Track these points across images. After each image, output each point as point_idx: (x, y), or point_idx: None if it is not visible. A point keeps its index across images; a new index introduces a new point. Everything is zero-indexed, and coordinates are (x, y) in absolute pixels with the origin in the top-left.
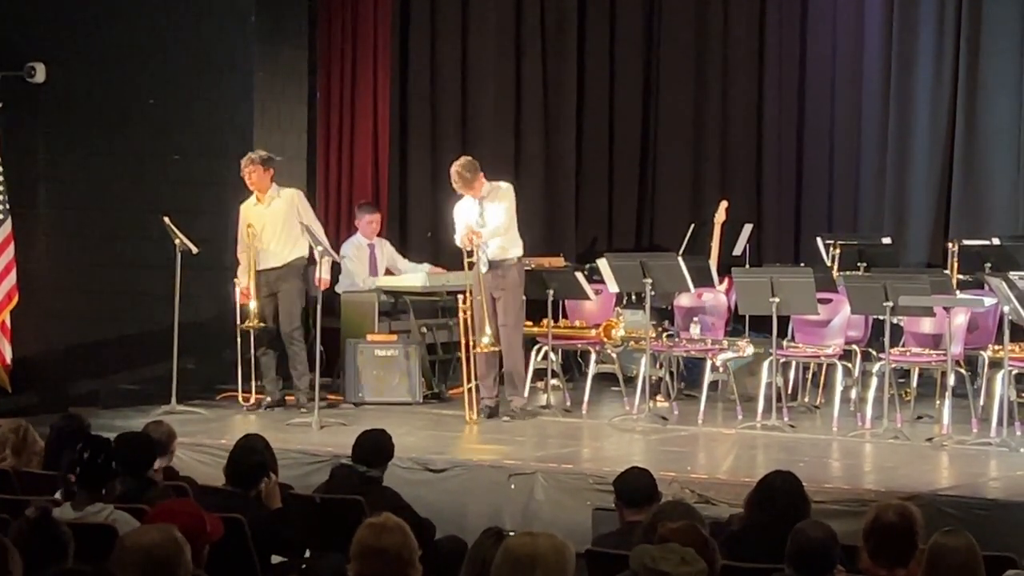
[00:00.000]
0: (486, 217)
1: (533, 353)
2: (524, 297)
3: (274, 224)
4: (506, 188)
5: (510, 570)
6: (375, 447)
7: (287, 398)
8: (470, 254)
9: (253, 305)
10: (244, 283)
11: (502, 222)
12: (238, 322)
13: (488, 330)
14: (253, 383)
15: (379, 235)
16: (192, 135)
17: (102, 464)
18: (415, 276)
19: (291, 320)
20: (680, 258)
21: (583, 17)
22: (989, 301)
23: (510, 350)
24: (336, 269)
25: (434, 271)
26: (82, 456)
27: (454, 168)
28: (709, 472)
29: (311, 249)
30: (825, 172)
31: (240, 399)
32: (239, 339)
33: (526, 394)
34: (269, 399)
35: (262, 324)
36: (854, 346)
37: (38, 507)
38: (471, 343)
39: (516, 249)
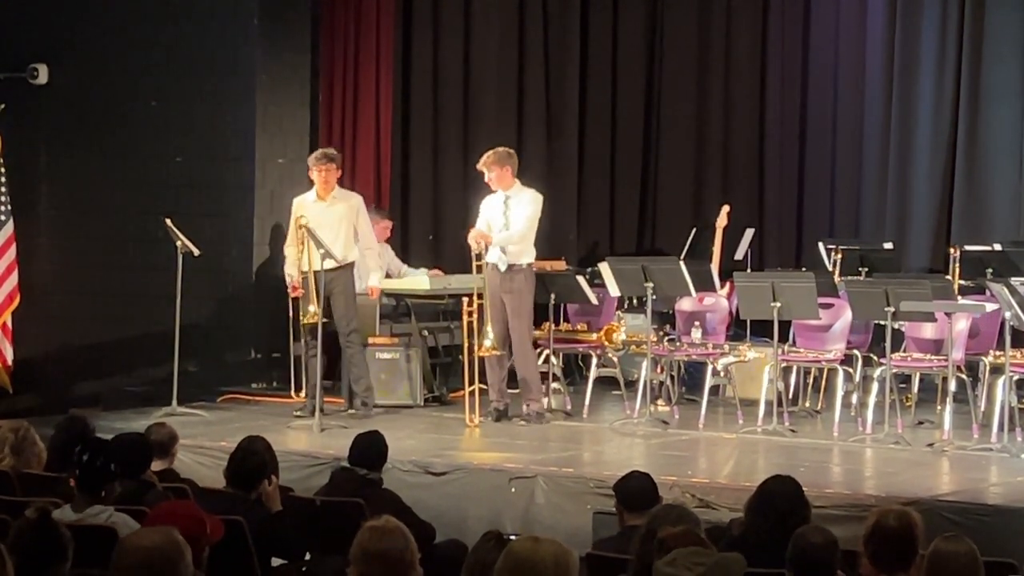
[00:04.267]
0: (509, 216)
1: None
2: (532, 304)
3: (333, 225)
4: (534, 196)
5: (510, 574)
6: (372, 449)
7: (326, 401)
8: (479, 256)
9: (312, 307)
10: (295, 277)
11: (521, 228)
12: (301, 318)
13: (490, 333)
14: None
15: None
16: (194, 137)
17: (101, 466)
18: (418, 279)
19: (348, 322)
20: (682, 262)
21: (585, 21)
22: (990, 307)
23: (522, 355)
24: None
25: (434, 274)
26: (81, 458)
27: (492, 150)
28: (710, 476)
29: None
30: (827, 177)
31: (294, 395)
32: (290, 335)
33: (545, 400)
34: (315, 402)
35: (324, 320)
36: (855, 351)
37: (38, 508)
38: (473, 346)
39: (529, 256)
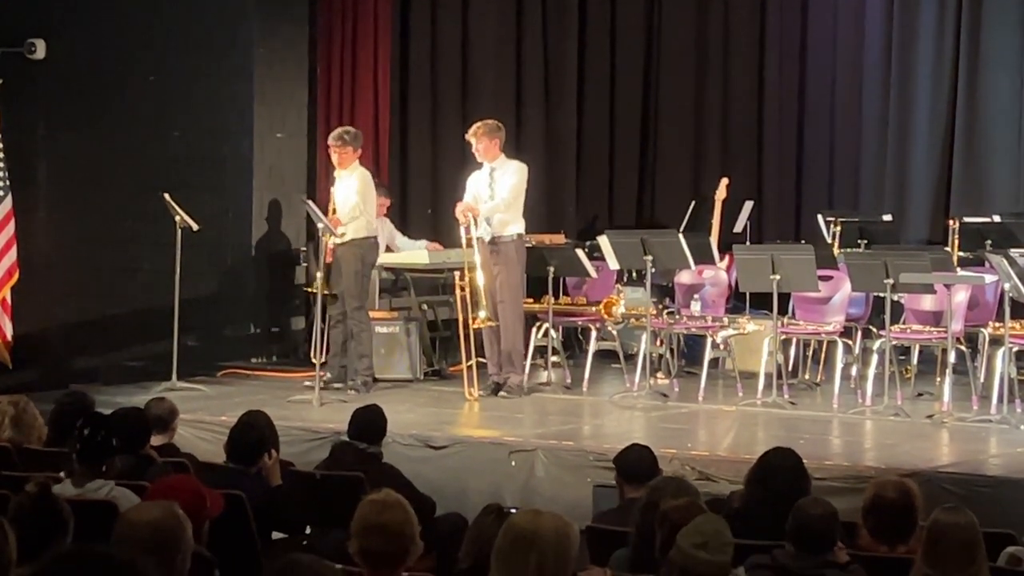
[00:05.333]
0: (495, 188)
1: (534, 330)
2: (524, 276)
3: (342, 201)
4: (519, 166)
5: (510, 547)
6: (371, 424)
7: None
8: (467, 229)
9: (319, 275)
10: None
11: (506, 197)
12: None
13: (485, 304)
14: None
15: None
16: (192, 112)
17: (102, 440)
18: (417, 253)
19: (352, 298)
20: (681, 235)
21: None
22: (990, 278)
23: (507, 328)
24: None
25: (432, 247)
26: (82, 432)
27: (480, 122)
28: (709, 449)
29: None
30: (826, 149)
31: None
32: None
33: (525, 372)
34: (329, 374)
35: (326, 293)
36: (855, 323)
37: (38, 483)
38: (469, 320)
39: (516, 227)
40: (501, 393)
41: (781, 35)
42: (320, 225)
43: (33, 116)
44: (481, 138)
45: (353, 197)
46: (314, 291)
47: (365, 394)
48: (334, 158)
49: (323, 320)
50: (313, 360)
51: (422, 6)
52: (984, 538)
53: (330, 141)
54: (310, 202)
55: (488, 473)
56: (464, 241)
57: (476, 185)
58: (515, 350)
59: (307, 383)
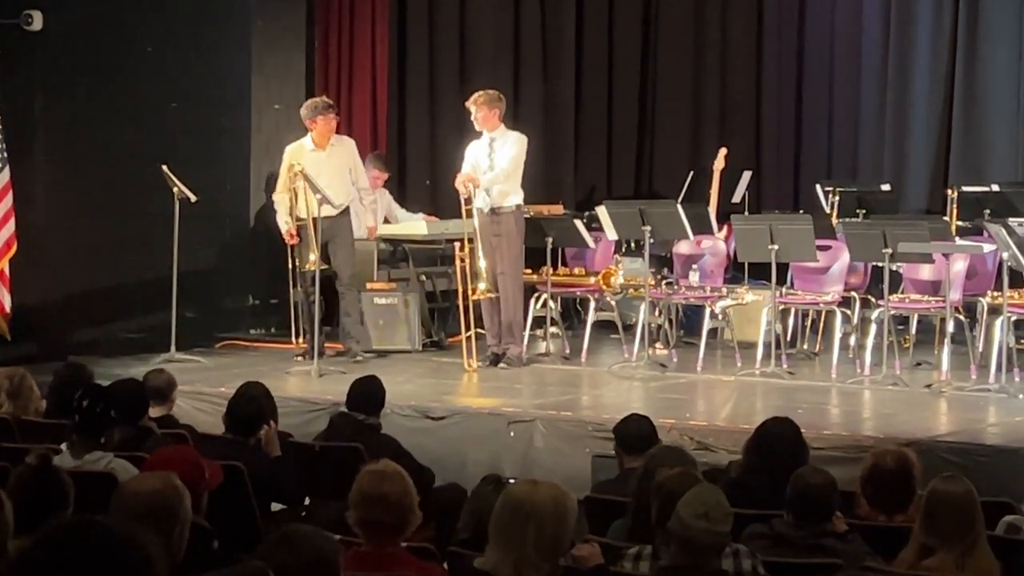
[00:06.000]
0: (494, 159)
1: (532, 301)
2: (523, 247)
3: (333, 172)
4: (519, 137)
5: (509, 517)
6: (370, 394)
7: (325, 347)
8: (467, 200)
9: (312, 255)
10: (290, 224)
11: (505, 168)
12: (299, 266)
13: (484, 275)
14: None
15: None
16: (190, 83)
17: (101, 412)
18: (415, 224)
19: (348, 268)
20: (679, 205)
21: None
22: (988, 248)
23: (507, 300)
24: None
25: (429, 219)
26: (80, 404)
27: (483, 91)
28: (708, 419)
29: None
30: (824, 119)
31: (294, 341)
32: (291, 282)
33: (524, 343)
34: (314, 348)
35: (324, 267)
36: (853, 293)
37: (38, 455)
38: (468, 291)
39: (515, 197)
40: (501, 364)
41: (779, 5)
42: (318, 197)
43: (30, 88)
44: (481, 107)
45: (346, 166)
46: (309, 270)
47: (364, 363)
48: (327, 126)
49: (297, 293)
50: (302, 330)
51: None
52: (982, 507)
53: (325, 111)
54: (307, 173)
55: (487, 444)
56: (464, 212)
57: (475, 155)
58: (515, 321)
59: (296, 357)
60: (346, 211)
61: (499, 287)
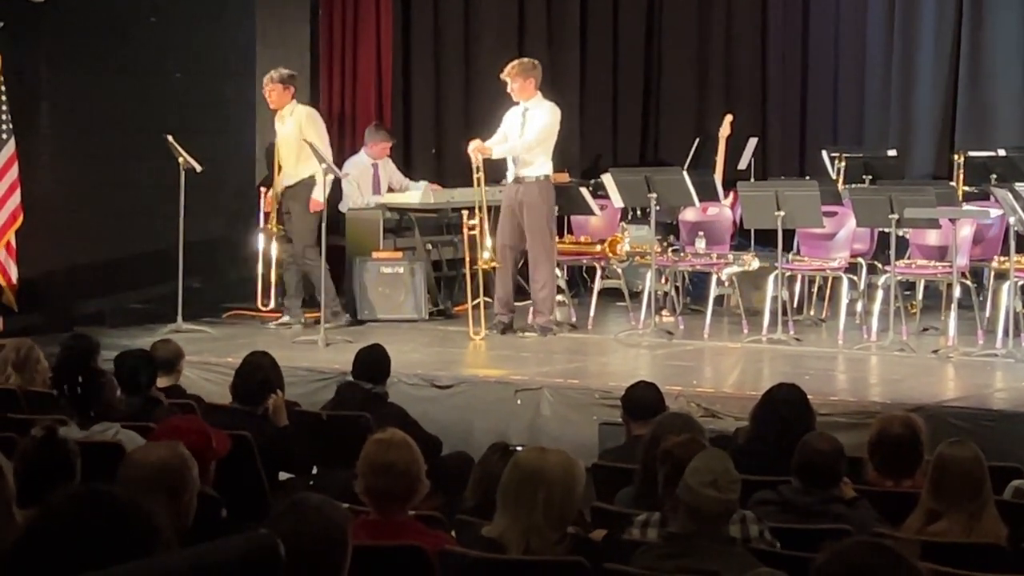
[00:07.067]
0: (526, 128)
1: None
2: (551, 218)
3: (287, 143)
4: (550, 107)
5: (517, 485)
6: (376, 363)
7: (306, 316)
8: (478, 168)
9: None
10: (269, 194)
11: (528, 139)
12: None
13: (488, 245)
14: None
15: None
16: (194, 53)
17: (89, 390)
18: (420, 193)
19: (301, 238)
20: (685, 172)
21: None
22: (995, 213)
23: (535, 269)
24: (336, 187)
25: (434, 188)
26: (75, 390)
27: (517, 60)
28: (715, 386)
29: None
30: (830, 85)
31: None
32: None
33: (551, 314)
34: (288, 317)
35: (281, 230)
36: (859, 259)
37: (44, 427)
38: (476, 260)
39: (539, 168)
40: (522, 333)
41: None
42: (323, 166)
43: (35, 60)
44: (516, 77)
45: (298, 136)
46: (269, 230)
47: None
48: (271, 98)
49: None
50: (285, 303)
51: None
52: (990, 472)
53: (269, 83)
54: (312, 141)
55: (494, 412)
56: (475, 180)
57: (509, 122)
58: (542, 292)
59: (274, 324)
60: (305, 183)
61: (529, 260)
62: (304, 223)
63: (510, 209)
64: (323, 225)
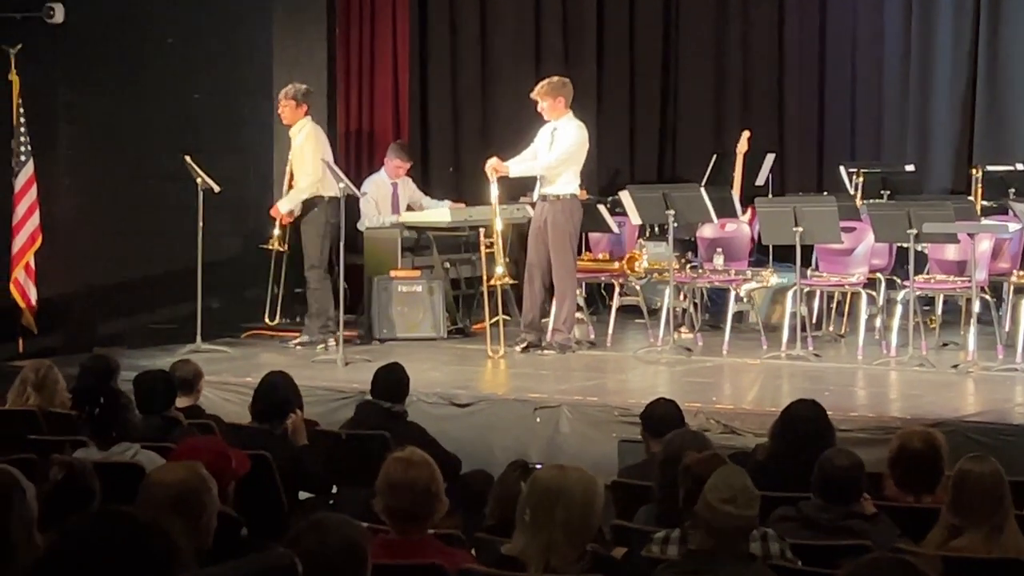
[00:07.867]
0: (553, 147)
1: None
2: (574, 236)
3: (293, 160)
4: (579, 126)
5: (537, 502)
6: (394, 382)
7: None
8: (494, 186)
9: (277, 231)
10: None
11: (554, 158)
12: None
13: (502, 262)
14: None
15: None
16: (211, 73)
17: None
18: (439, 211)
19: (305, 257)
20: (702, 189)
21: None
22: (1013, 227)
23: (557, 287)
24: (353, 206)
25: (455, 206)
26: (93, 411)
27: (547, 79)
28: (734, 402)
29: (332, 185)
30: (847, 100)
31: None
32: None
33: (570, 332)
34: (306, 336)
35: (281, 249)
36: (878, 274)
37: (62, 466)
38: (495, 278)
39: (565, 187)
40: (541, 352)
41: None
42: (341, 185)
43: (53, 80)
44: (545, 97)
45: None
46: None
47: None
48: (283, 115)
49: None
50: (267, 321)
51: None
52: (1010, 487)
53: (283, 99)
54: (331, 162)
55: (513, 430)
56: (494, 198)
57: (541, 140)
58: (563, 311)
59: (292, 343)
60: (311, 201)
61: (554, 278)
62: (307, 242)
63: (538, 227)
64: (342, 245)
